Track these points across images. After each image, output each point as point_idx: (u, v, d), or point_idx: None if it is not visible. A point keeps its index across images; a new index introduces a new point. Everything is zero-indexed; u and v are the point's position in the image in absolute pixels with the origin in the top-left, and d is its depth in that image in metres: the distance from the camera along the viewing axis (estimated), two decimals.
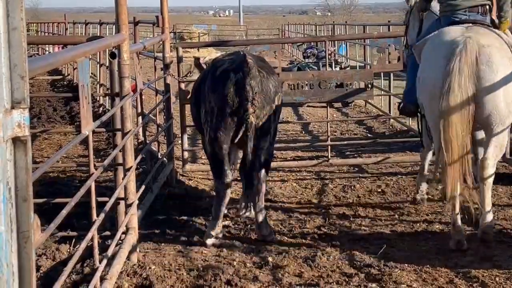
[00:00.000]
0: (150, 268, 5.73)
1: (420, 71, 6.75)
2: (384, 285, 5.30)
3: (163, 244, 6.57)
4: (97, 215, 4.60)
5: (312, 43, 31.35)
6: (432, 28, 7.29)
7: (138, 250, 5.92)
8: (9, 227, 2.71)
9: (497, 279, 5.45)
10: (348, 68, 21.45)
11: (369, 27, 22.11)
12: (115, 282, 5.11)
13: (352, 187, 8.64)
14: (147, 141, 9.96)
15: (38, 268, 5.04)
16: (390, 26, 17.05)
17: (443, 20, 7.17)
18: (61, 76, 22.26)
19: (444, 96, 5.98)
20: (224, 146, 6.60)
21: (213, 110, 6.51)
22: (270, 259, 5.80)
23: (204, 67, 8.10)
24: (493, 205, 7.68)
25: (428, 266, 5.74)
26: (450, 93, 5.95)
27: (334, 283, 5.34)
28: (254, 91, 6.39)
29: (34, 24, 39.76)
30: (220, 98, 6.45)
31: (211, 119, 6.55)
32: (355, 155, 11.18)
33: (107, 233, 6.32)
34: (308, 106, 16.81)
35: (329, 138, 10.24)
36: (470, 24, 6.85)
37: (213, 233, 6.63)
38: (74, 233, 6.37)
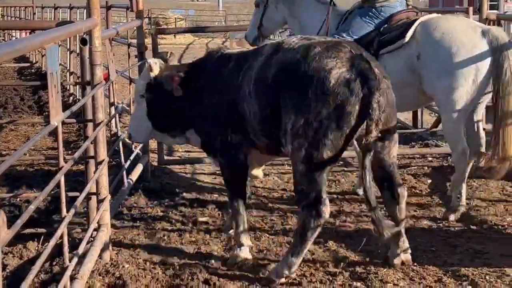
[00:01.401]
0: (123, 266, 5.69)
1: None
2: (369, 283, 5.31)
3: (137, 241, 6.51)
4: (67, 211, 4.56)
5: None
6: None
7: (110, 247, 5.89)
8: None
9: (487, 277, 5.48)
10: None
11: None
12: (86, 282, 5.06)
13: (337, 181, 8.68)
14: (120, 133, 9.77)
15: (4, 267, 4.99)
16: None
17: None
18: (28, 64, 22.16)
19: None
20: (328, 168, 5.54)
21: (321, 123, 5.18)
22: (250, 257, 5.80)
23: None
24: (484, 200, 7.77)
25: (415, 264, 5.76)
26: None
27: (318, 282, 5.34)
28: (382, 110, 5.27)
29: (0, 8, 39.37)
30: (339, 115, 5.15)
31: (316, 134, 5.19)
32: None
33: (78, 230, 6.32)
34: None
35: None
36: None
37: (288, 272, 5.44)
38: (43, 230, 6.28)
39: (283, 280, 5.39)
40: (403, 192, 5.77)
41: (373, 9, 7.78)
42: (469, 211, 7.32)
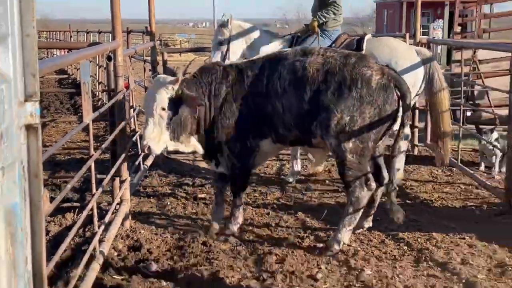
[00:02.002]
0: (140, 232, 5.74)
1: None
2: (327, 244, 5.34)
3: (151, 212, 6.52)
4: (96, 189, 4.61)
5: None
6: None
7: (130, 217, 5.93)
8: (23, 198, 2.69)
9: (418, 240, 5.54)
10: None
11: None
12: (111, 244, 5.11)
13: (305, 166, 8.65)
14: (138, 129, 9.89)
15: (47, 232, 5.01)
16: None
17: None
18: (66, 75, 22.03)
19: None
20: (370, 154, 5.47)
21: (366, 120, 5.23)
22: (238, 225, 5.81)
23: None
24: (417, 181, 7.81)
25: (364, 230, 5.79)
26: None
27: (290, 243, 5.38)
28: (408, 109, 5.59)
29: (45, 32, 39.19)
30: (386, 112, 5.27)
31: (362, 129, 5.26)
32: None
33: (105, 204, 6.34)
34: None
35: None
36: None
37: (346, 239, 5.42)
38: (77, 204, 6.41)
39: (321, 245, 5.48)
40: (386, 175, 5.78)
41: (326, 32, 7.80)
42: (405, 189, 7.35)
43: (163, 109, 5.22)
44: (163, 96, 5.25)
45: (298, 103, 5.44)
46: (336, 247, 5.30)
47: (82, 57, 5.92)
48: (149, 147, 5.19)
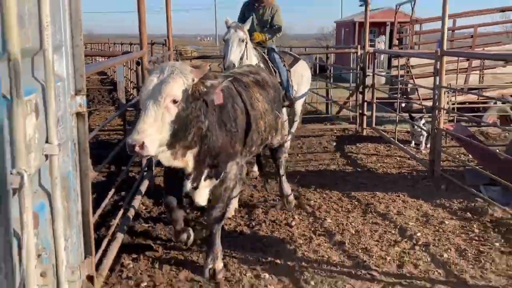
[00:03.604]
0: (161, 192, 5.75)
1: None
2: (299, 201, 5.37)
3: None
4: (128, 162, 4.60)
5: None
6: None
7: (154, 181, 5.91)
8: (74, 168, 2.70)
9: (366, 197, 5.58)
10: None
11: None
12: (140, 200, 5.10)
13: None
14: None
15: (92, 192, 5.00)
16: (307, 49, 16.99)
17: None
18: (106, 76, 21.82)
19: None
20: None
21: None
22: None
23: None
24: (364, 154, 7.84)
25: (326, 190, 5.83)
26: None
27: (272, 200, 5.40)
28: None
29: (89, 44, 38.93)
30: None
31: None
32: None
33: (135, 172, 6.32)
34: None
35: None
36: None
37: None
38: (114, 172, 6.38)
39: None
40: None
41: (279, 51, 7.23)
42: (356, 161, 7.39)
43: (175, 101, 2.93)
44: (178, 86, 2.94)
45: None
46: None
47: (118, 63, 5.92)
48: (142, 144, 2.79)
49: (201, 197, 3.63)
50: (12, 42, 1.88)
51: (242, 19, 6.69)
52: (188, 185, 3.48)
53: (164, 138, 2.93)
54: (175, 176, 3.55)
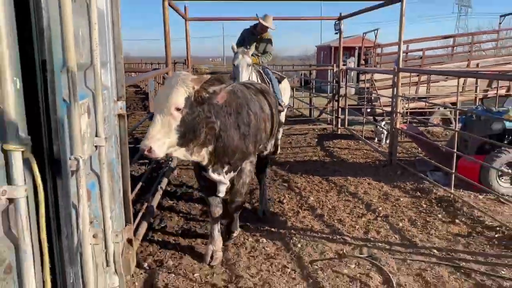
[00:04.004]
0: (183, 176, 5.74)
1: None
2: (289, 184, 5.38)
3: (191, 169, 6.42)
4: None
5: None
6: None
7: (177, 168, 5.91)
8: (117, 156, 2.71)
9: (340, 180, 5.57)
10: None
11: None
12: (167, 182, 5.11)
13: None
14: None
15: (130, 175, 5.03)
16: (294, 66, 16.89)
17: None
18: (139, 88, 21.72)
19: None
20: None
21: None
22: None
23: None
24: (339, 148, 7.83)
25: (310, 175, 5.84)
26: None
27: (267, 183, 5.38)
28: None
29: (127, 63, 38.83)
30: None
31: None
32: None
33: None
34: None
35: None
36: None
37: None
38: (147, 160, 6.32)
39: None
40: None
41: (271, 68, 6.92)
42: (333, 153, 7.39)
43: (178, 109, 2.60)
44: (180, 94, 2.63)
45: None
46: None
47: (149, 77, 5.90)
48: (150, 149, 2.56)
49: (222, 189, 3.23)
50: (70, 59, 1.90)
51: (241, 42, 6.54)
52: (211, 174, 3.09)
53: (173, 141, 2.63)
54: (200, 169, 3.18)
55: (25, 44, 1.67)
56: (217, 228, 3.40)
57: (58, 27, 1.82)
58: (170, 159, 5.67)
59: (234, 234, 3.73)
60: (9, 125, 1.51)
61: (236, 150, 3.04)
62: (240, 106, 3.10)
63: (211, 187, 3.27)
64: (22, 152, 1.55)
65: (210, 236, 3.43)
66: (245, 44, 6.36)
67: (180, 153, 2.82)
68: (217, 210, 3.33)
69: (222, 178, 3.13)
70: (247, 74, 5.71)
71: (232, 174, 3.23)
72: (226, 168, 3.12)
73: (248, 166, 3.31)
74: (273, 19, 6.47)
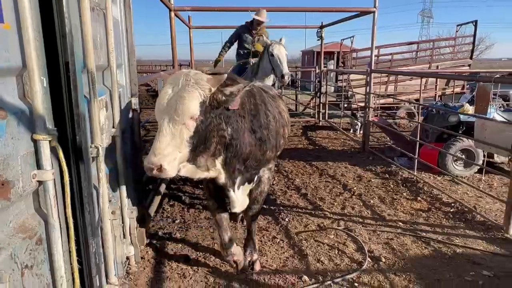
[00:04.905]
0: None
1: None
2: (278, 168, 5.37)
3: None
4: None
5: None
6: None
7: None
8: (131, 145, 2.69)
9: (321, 165, 5.57)
10: None
11: None
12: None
13: None
14: None
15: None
16: None
17: None
18: (150, 87, 21.48)
19: None
20: None
21: None
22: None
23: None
24: (320, 137, 7.83)
25: (296, 161, 5.83)
26: None
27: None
28: None
29: (139, 66, 38.17)
30: None
31: None
32: None
33: None
34: None
35: None
36: None
37: None
38: None
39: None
40: None
41: None
42: (315, 142, 7.39)
43: (192, 118, 1.76)
44: (195, 100, 1.77)
45: None
46: None
47: (157, 77, 5.83)
48: (160, 167, 1.70)
49: (238, 203, 2.34)
50: (90, 61, 1.88)
51: (236, 37, 5.73)
52: (228, 192, 2.24)
53: (184, 155, 1.79)
54: (212, 181, 2.24)
55: (51, 48, 1.64)
56: (231, 260, 2.63)
57: (78, 33, 1.79)
58: None
59: (256, 267, 2.73)
60: (37, 118, 1.49)
61: (248, 157, 2.16)
62: (256, 108, 2.21)
63: (222, 200, 2.39)
64: (49, 141, 1.54)
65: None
66: (241, 41, 5.68)
67: (188, 171, 1.92)
68: (227, 236, 2.54)
69: (233, 194, 2.27)
70: (286, 65, 4.67)
71: (247, 185, 2.36)
72: (238, 180, 2.23)
73: (266, 174, 2.48)
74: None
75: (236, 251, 2.60)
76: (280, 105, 2.73)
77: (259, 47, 5.44)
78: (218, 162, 2.04)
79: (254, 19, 5.53)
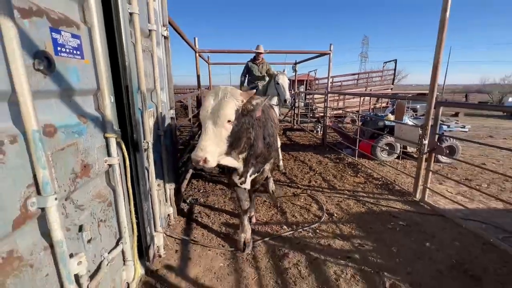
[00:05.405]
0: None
1: None
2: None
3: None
4: (194, 144, 4.38)
5: None
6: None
7: None
8: (170, 141, 2.65)
9: (294, 154, 5.46)
10: None
11: None
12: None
13: None
14: None
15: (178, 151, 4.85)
16: None
17: None
18: (182, 102, 21.12)
19: None
20: None
21: None
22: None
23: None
24: (296, 136, 7.73)
25: (293, 153, 5.78)
26: None
27: None
28: None
29: (175, 89, 36.95)
30: None
31: None
32: None
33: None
34: None
35: None
36: None
37: None
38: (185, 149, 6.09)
39: None
40: None
41: None
42: (291, 138, 7.25)
43: (229, 121, 1.60)
44: (232, 108, 1.61)
45: None
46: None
47: (187, 96, 5.72)
48: (205, 159, 1.54)
49: (248, 184, 2.17)
50: (142, 85, 1.85)
51: (246, 69, 5.16)
52: (236, 178, 2.08)
53: (223, 150, 1.65)
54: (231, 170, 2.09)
55: (116, 76, 1.62)
56: (246, 218, 2.37)
57: (134, 66, 1.77)
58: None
59: (252, 216, 2.70)
60: (107, 123, 1.47)
61: (259, 156, 2.02)
62: (266, 120, 2.10)
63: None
64: (116, 138, 1.52)
65: (241, 225, 2.38)
66: (250, 71, 5.31)
67: (227, 161, 1.80)
68: (246, 204, 2.34)
69: (243, 180, 2.08)
70: (288, 92, 4.24)
71: (255, 175, 2.20)
72: (250, 171, 2.09)
73: (267, 166, 2.28)
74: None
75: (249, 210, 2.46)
76: (273, 113, 2.61)
77: (263, 72, 5.06)
78: (241, 157, 1.90)
79: (255, 54, 5.15)
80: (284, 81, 4.32)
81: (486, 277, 1.92)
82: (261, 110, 1.95)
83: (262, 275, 2.01)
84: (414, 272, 2.00)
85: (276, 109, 3.51)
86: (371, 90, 11.82)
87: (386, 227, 2.62)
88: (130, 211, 1.66)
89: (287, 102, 4.33)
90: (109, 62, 1.50)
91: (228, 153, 1.71)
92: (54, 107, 1.19)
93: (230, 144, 1.66)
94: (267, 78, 4.98)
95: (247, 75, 5.23)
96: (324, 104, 6.37)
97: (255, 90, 1.99)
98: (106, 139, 1.49)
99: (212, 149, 1.58)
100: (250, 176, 2.14)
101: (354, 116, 10.04)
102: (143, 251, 1.96)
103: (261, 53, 5.24)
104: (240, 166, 1.95)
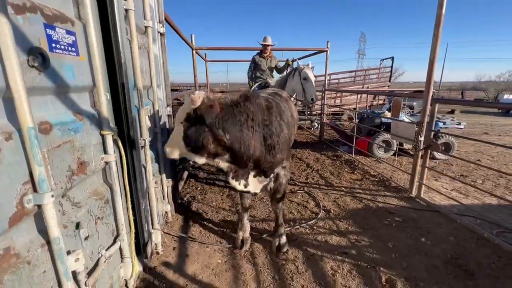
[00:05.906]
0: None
1: None
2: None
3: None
4: None
5: None
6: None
7: None
8: (167, 138, 2.64)
9: (294, 151, 5.47)
10: None
11: None
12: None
13: None
14: None
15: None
16: None
17: None
18: (179, 100, 20.97)
19: None
20: None
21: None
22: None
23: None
24: (297, 134, 7.75)
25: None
26: None
27: None
28: None
29: (172, 86, 36.71)
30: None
31: None
32: None
33: None
34: None
35: None
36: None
37: None
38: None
39: None
40: None
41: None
42: None
43: (181, 123, 1.71)
44: (183, 111, 1.73)
45: None
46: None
47: (184, 93, 5.72)
48: (165, 151, 1.77)
49: (253, 187, 1.97)
50: (138, 82, 1.84)
51: (253, 63, 4.66)
52: (229, 180, 1.89)
53: (182, 148, 1.71)
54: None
55: (112, 73, 1.61)
56: (246, 216, 2.28)
57: (130, 63, 1.76)
58: None
59: (284, 249, 2.21)
60: (103, 120, 1.47)
61: (259, 159, 1.81)
62: (270, 119, 1.81)
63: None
64: (112, 135, 1.52)
65: (240, 223, 2.29)
66: (257, 65, 4.65)
67: (194, 158, 1.76)
68: (247, 202, 2.25)
69: (237, 185, 1.90)
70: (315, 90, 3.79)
71: (263, 178, 1.98)
72: (252, 172, 1.91)
73: (282, 172, 2.06)
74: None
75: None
76: (292, 106, 2.32)
77: (272, 66, 4.61)
78: (223, 158, 1.76)
79: (263, 45, 4.55)
80: (312, 77, 3.85)
81: (480, 271, 1.93)
82: (266, 107, 1.79)
83: (260, 271, 2.01)
84: (410, 267, 2.00)
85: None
86: (368, 87, 11.86)
87: (383, 223, 2.63)
88: (127, 209, 1.66)
89: (314, 101, 3.82)
90: (105, 59, 1.49)
91: (194, 152, 1.71)
92: (49, 104, 1.18)
93: (187, 144, 1.69)
94: (275, 73, 4.50)
95: (254, 70, 4.60)
96: (322, 102, 6.38)
97: (219, 95, 1.72)
98: (103, 136, 1.49)
99: (170, 145, 1.76)
100: (254, 177, 1.95)
101: (351, 114, 10.09)
102: (141, 248, 1.96)
103: (269, 45, 4.50)
104: (221, 166, 1.80)
